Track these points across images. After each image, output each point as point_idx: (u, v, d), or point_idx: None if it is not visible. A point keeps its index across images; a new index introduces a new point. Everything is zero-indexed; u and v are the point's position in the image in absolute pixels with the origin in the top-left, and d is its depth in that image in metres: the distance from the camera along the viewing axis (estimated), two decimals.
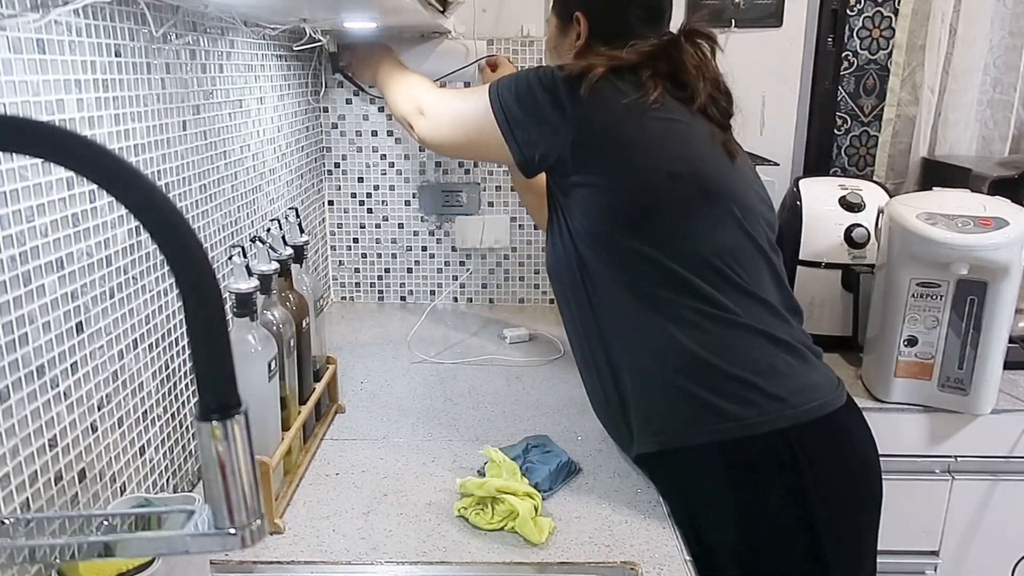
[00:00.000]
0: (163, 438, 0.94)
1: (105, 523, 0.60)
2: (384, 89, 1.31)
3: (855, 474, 0.95)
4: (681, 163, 0.95)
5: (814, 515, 0.90)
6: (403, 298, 1.82)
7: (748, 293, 0.94)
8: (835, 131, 1.88)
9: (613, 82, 0.96)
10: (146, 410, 0.89)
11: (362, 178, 1.74)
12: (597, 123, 0.95)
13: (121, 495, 0.83)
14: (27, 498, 0.67)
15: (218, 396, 0.44)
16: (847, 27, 1.82)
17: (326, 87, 1.66)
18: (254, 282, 0.88)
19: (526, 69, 1.04)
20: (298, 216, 1.10)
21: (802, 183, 1.55)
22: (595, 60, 0.98)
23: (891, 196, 1.46)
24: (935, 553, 1.43)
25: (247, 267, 0.88)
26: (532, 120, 0.99)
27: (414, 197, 1.74)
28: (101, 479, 0.80)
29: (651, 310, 0.94)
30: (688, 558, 0.87)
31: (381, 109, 1.69)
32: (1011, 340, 1.33)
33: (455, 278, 1.80)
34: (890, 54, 1.82)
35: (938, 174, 1.72)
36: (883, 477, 0.99)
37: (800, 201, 1.51)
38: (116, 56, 0.81)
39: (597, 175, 0.95)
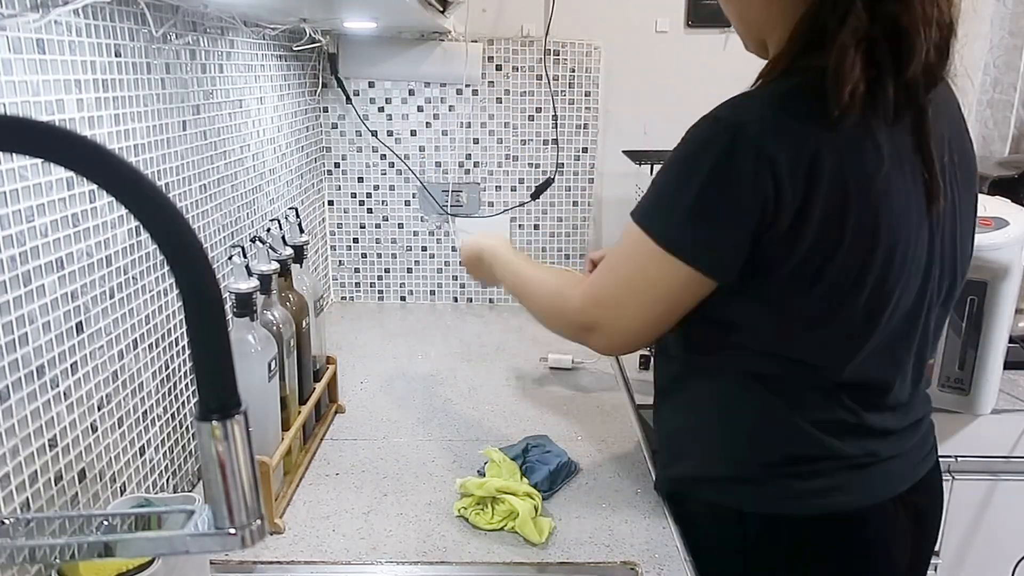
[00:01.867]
0: (163, 438, 0.94)
1: (105, 523, 0.60)
2: (520, 300, 0.99)
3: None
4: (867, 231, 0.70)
5: None
6: (403, 298, 1.82)
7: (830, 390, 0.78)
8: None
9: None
10: (146, 410, 0.89)
11: (362, 178, 1.74)
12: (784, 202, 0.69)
13: (121, 495, 0.83)
14: (27, 498, 0.67)
15: (218, 396, 0.44)
16: None
17: (326, 87, 1.66)
18: (254, 282, 0.88)
19: (669, 162, 0.74)
20: (298, 216, 1.10)
21: None
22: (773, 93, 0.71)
23: None
24: (935, 553, 1.43)
25: (247, 267, 0.88)
26: (715, 231, 0.72)
27: (414, 197, 1.74)
28: (101, 479, 0.80)
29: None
30: (688, 558, 0.87)
31: (381, 109, 1.69)
32: (1011, 340, 1.33)
33: (455, 278, 1.80)
34: None
35: None
36: None
37: None
38: (116, 56, 0.81)
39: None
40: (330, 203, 1.75)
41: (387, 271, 1.80)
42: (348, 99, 1.67)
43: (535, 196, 1.74)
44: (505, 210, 1.75)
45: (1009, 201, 1.31)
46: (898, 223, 0.71)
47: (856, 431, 0.79)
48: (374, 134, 1.70)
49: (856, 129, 0.69)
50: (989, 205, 1.29)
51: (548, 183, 1.73)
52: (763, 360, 0.77)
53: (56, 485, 0.72)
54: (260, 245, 0.95)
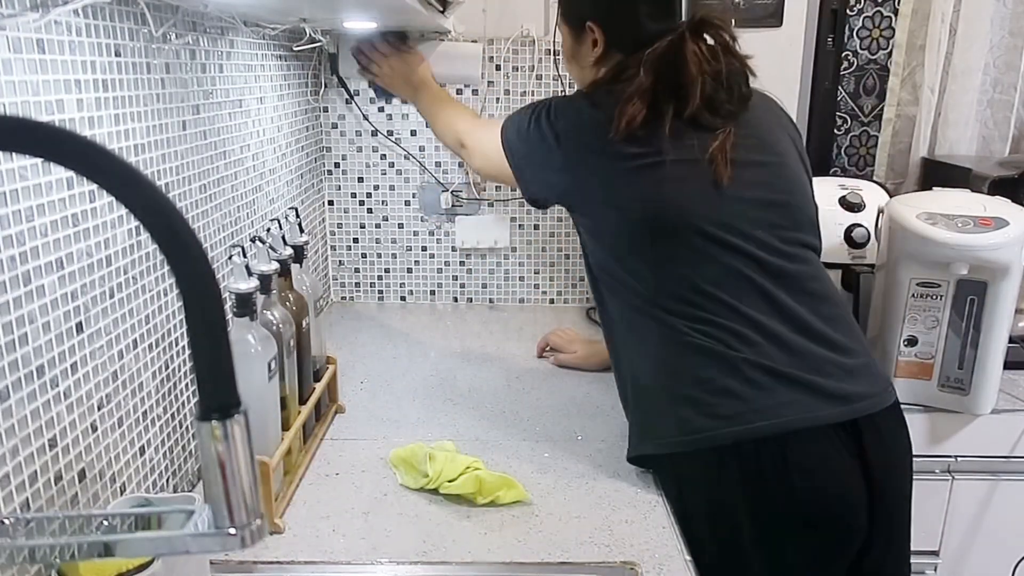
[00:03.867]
0: (163, 438, 0.94)
1: (105, 523, 0.60)
2: (426, 116, 1.39)
3: (797, 498, 0.92)
4: (651, 206, 0.97)
5: (739, 533, 0.93)
6: (403, 298, 1.82)
7: (716, 320, 0.95)
8: (835, 131, 1.88)
9: (597, 120, 0.98)
10: (146, 410, 0.89)
11: (362, 178, 1.74)
12: (580, 174, 1.01)
13: (121, 495, 0.83)
14: (27, 498, 0.67)
15: (218, 396, 0.44)
16: (847, 27, 1.82)
17: (326, 87, 1.66)
18: (254, 282, 0.88)
19: (531, 106, 1.07)
20: (298, 216, 1.10)
21: None
22: (596, 88, 1.04)
23: (891, 196, 1.46)
24: (935, 553, 1.43)
25: (247, 267, 0.88)
26: (529, 162, 1.07)
27: (414, 197, 1.74)
28: (101, 479, 0.80)
29: (632, 328, 1.03)
30: (688, 558, 0.87)
31: (381, 109, 1.69)
32: (1011, 340, 1.33)
33: (455, 278, 1.80)
34: (890, 54, 1.82)
35: (938, 174, 1.72)
36: (880, 503, 0.96)
37: None
38: (116, 56, 0.81)
39: (583, 217, 1.06)
40: (330, 203, 1.75)
41: (387, 271, 1.80)
42: (349, 99, 1.67)
43: None
44: (505, 210, 1.75)
45: (1009, 201, 1.31)
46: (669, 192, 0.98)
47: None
48: (374, 134, 1.70)
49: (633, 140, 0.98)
50: (989, 205, 1.29)
51: None
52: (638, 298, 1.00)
53: (56, 485, 0.72)
54: (260, 245, 0.95)
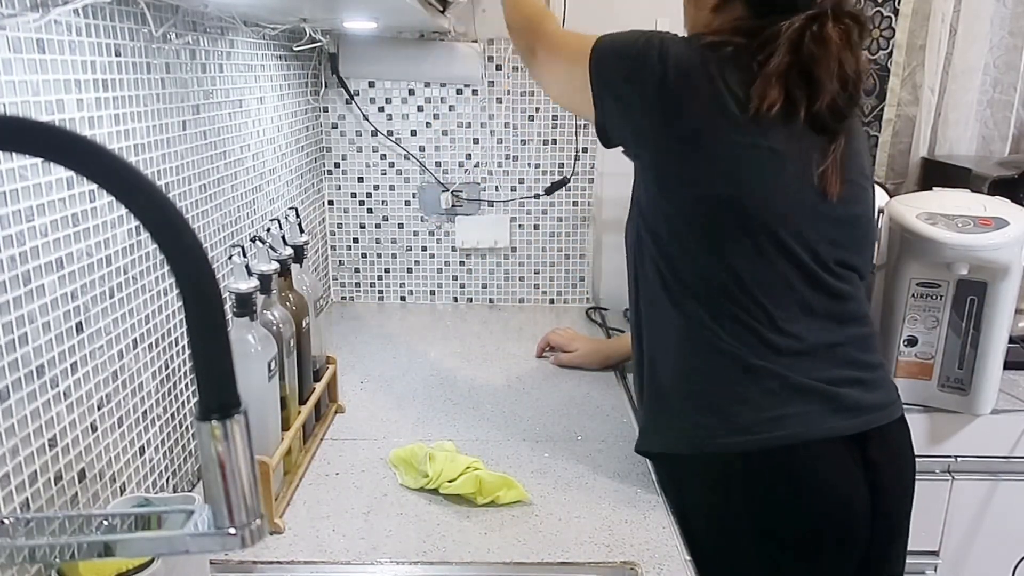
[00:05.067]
0: (163, 438, 0.94)
1: (105, 523, 0.60)
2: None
3: (806, 509, 0.91)
4: (737, 189, 0.89)
5: (737, 538, 0.92)
6: (403, 298, 1.82)
7: (749, 322, 0.91)
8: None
9: (723, 83, 0.88)
10: (146, 410, 0.89)
11: (362, 178, 1.74)
12: (675, 127, 0.91)
13: (121, 495, 0.83)
14: (27, 498, 0.67)
15: (218, 396, 0.44)
16: None
17: (326, 87, 1.66)
18: (254, 282, 0.88)
19: (640, 33, 0.96)
20: (298, 216, 1.10)
21: None
22: (719, 45, 0.90)
23: (891, 196, 1.46)
24: (935, 553, 1.43)
25: (247, 267, 0.88)
26: (618, 92, 0.95)
27: (414, 197, 1.74)
28: (101, 479, 0.80)
29: (661, 314, 0.97)
30: (688, 558, 0.87)
31: (381, 109, 1.69)
32: (1011, 340, 1.33)
33: (455, 278, 1.80)
34: (890, 54, 1.82)
35: (938, 174, 1.72)
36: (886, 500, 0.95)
37: None
38: (116, 56, 0.81)
39: (653, 171, 0.95)
40: (330, 203, 1.75)
41: (387, 271, 1.80)
42: (350, 98, 1.67)
43: (548, 192, 1.73)
44: (505, 210, 1.75)
45: (1009, 201, 1.31)
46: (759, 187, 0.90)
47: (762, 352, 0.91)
48: (374, 134, 1.70)
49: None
50: (989, 205, 1.29)
51: (563, 182, 1.72)
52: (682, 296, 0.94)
53: (56, 485, 0.72)
54: (260, 245, 0.95)
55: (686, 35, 1.01)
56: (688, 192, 0.92)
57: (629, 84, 0.93)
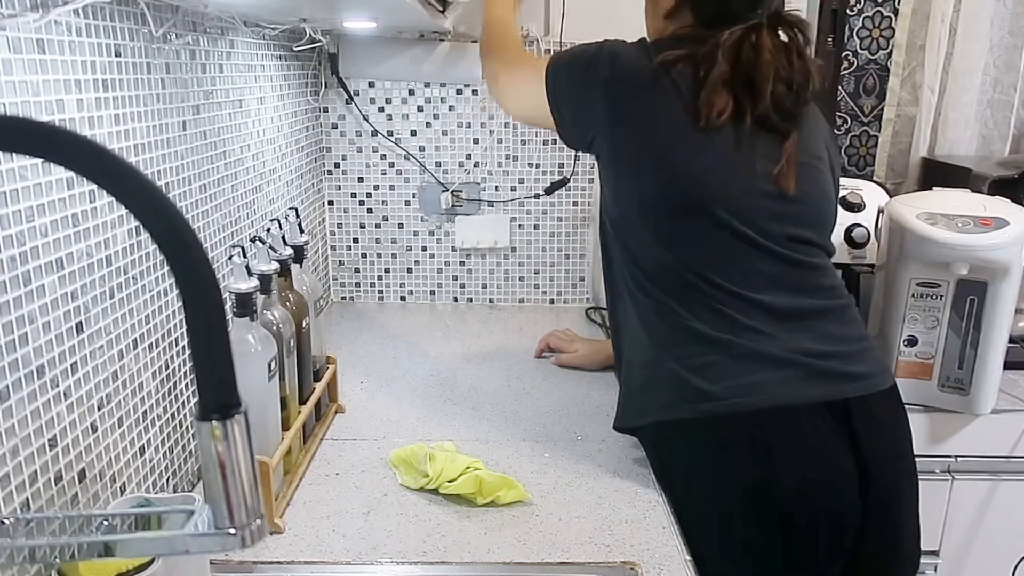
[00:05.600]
0: (163, 438, 0.94)
1: (105, 523, 0.60)
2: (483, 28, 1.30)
3: (783, 473, 0.91)
4: (681, 181, 0.95)
5: (718, 506, 0.94)
6: (403, 298, 1.82)
7: (714, 305, 0.95)
8: (835, 131, 1.88)
9: (669, 81, 0.95)
10: (146, 410, 0.89)
11: (362, 178, 1.74)
12: (625, 129, 0.98)
13: (121, 495, 0.83)
14: (27, 498, 0.67)
15: (218, 396, 0.44)
16: (847, 27, 1.82)
17: (326, 87, 1.66)
18: (254, 282, 0.88)
19: (589, 44, 1.03)
20: (298, 216, 1.10)
21: None
22: (667, 53, 0.96)
23: (891, 196, 1.46)
24: (935, 553, 1.43)
25: (247, 267, 0.88)
26: (573, 104, 1.03)
27: (414, 197, 1.74)
28: (101, 479, 0.80)
29: (632, 304, 1.03)
30: (688, 558, 0.87)
31: (381, 109, 1.69)
32: (1011, 340, 1.33)
33: (455, 278, 1.80)
34: (890, 54, 1.82)
35: (938, 174, 1.72)
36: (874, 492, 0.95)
37: None
38: (116, 56, 0.81)
39: (613, 170, 1.02)
40: (330, 203, 1.75)
41: (387, 271, 1.80)
42: (349, 98, 1.67)
43: (548, 192, 1.73)
44: (505, 210, 1.75)
45: (1009, 201, 1.31)
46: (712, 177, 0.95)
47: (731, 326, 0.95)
48: (374, 134, 1.70)
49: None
50: (989, 205, 1.29)
51: (563, 183, 1.72)
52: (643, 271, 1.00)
53: (56, 485, 0.72)
54: (260, 245, 0.95)
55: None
56: (634, 183, 0.99)
57: (580, 88, 1.01)
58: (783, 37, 0.97)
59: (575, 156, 1.72)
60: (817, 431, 0.92)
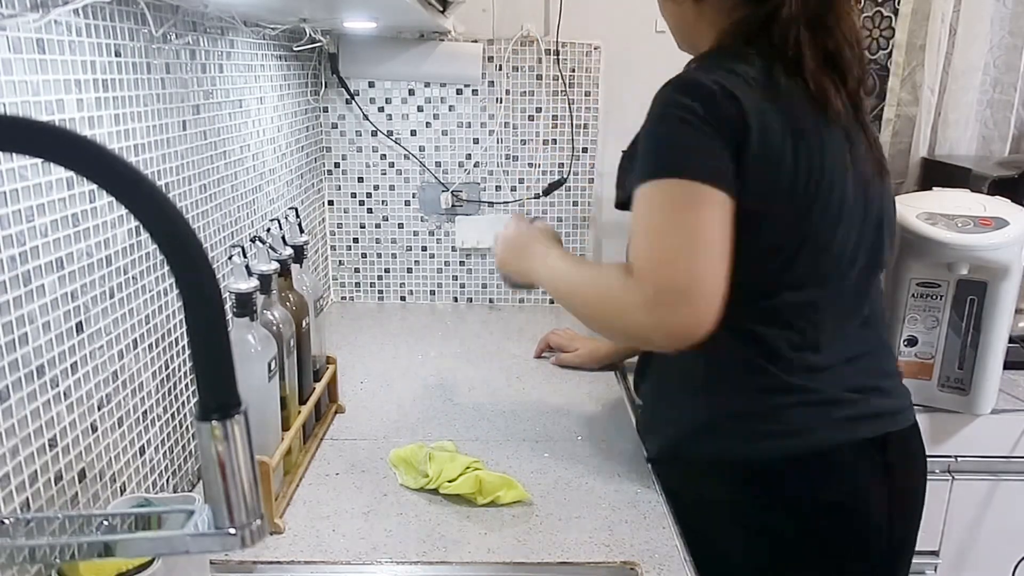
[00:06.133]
0: (163, 438, 0.94)
1: (105, 523, 0.60)
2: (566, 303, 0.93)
3: (826, 515, 0.88)
4: (801, 221, 0.82)
5: (751, 545, 0.90)
6: (403, 298, 1.82)
7: (779, 351, 0.86)
8: None
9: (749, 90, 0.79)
10: (146, 410, 0.89)
11: (362, 178, 1.74)
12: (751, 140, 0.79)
13: (121, 495, 0.83)
14: (27, 498, 0.67)
15: (218, 396, 0.44)
16: None
17: (326, 87, 1.66)
18: (254, 282, 0.88)
19: (654, 123, 0.82)
20: (298, 216, 1.10)
21: None
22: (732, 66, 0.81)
23: None
24: (935, 553, 1.43)
25: (247, 267, 0.88)
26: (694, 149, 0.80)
27: (414, 197, 1.74)
28: (101, 479, 0.80)
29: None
30: (688, 558, 0.87)
31: (381, 109, 1.69)
32: (1011, 340, 1.33)
33: (455, 278, 1.80)
34: (890, 54, 1.82)
35: (938, 174, 1.72)
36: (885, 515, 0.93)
37: None
38: (116, 56, 0.81)
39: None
40: (330, 203, 1.75)
41: (387, 271, 1.80)
42: (350, 97, 1.67)
43: (546, 193, 1.73)
44: (505, 210, 1.75)
45: (1009, 201, 1.31)
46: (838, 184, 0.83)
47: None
48: (374, 134, 1.70)
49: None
50: (989, 205, 1.29)
51: (560, 183, 1.72)
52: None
53: (56, 485, 0.72)
54: (260, 245, 0.95)
55: (686, 52, 0.94)
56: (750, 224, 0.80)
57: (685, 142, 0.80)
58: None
59: (574, 156, 1.72)
60: (861, 468, 0.88)
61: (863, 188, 0.86)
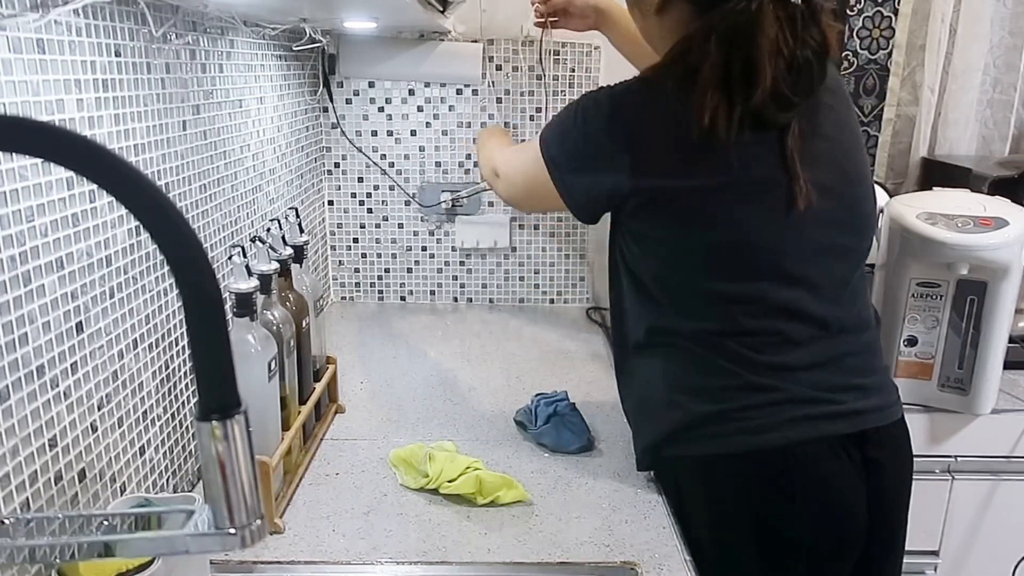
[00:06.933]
0: (163, 438, 0.94)
1: (105, 523, 0.60)
2: (478, 154, 1.31)
3: (804, 512, 0.89)
4: (717, 233, 0.86)
5: (735, 543, 0.91)
6: (403, 298, 1.82)
7: (749, 356, 0.89)
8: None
9: (662, 120, 0.86)
10: (146, 410, 0.89)
11: (362, 178, 1.74)
12: (642, 174, 0.87)
13: (121, 495, 0.83)
14: (27, 498, 0.67)
15: (218, 396, 0.44)
16: (847, 27, 1.82)
17: (326, 87, 1.66)
18: (254, 282, 0.88)
19: (571, 106, 0.93)
20: (298, 216, 1.10)
21: None
22: (644, 77, 0.89)
23: (891, 196, 1.46)
24: (935, 553, 1.43)
25: (247, 267, 0.88)
26: (576, 168, 0.93)
27: (414, 197, 1.74)
28: (101, 479, 0.80)
29: (654, 351, 0.96)
30: (688, 558, 0.87)
31: (381, 109, 1.69)
32: (1011, 340, 1.33)
33: (455, 278, 1.80)
34: (890, 54, 1.82)
35: (938, 174, 1.72)
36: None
37: None
38: (116, 56, 0.81)
39: (634, 220, 0.92)
40: (330, 203, 1.75)
41: (387, 271, 1.80)
42: (350, 97, 1.67)
43: None
44: (505, 210, 1.75)
45: (1009, 201, 1.31)
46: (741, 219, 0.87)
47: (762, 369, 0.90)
48: (374, 134, 1.70)
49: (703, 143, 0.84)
50: (989, 205, 1.29)
51: None
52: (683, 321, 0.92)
53: (56, 485, 0.72)
54: (260, 245, 0.95)
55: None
56: (671, 240, 0.90)
57: (581, 157, 0.92)
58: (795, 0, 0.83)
59: None
60: (834, 464, 0.89)
61: (772, 194, 0.86)
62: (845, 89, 0.98)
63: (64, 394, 0.73)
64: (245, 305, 0.86)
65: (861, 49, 1.84)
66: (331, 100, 1.67)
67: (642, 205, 0.89)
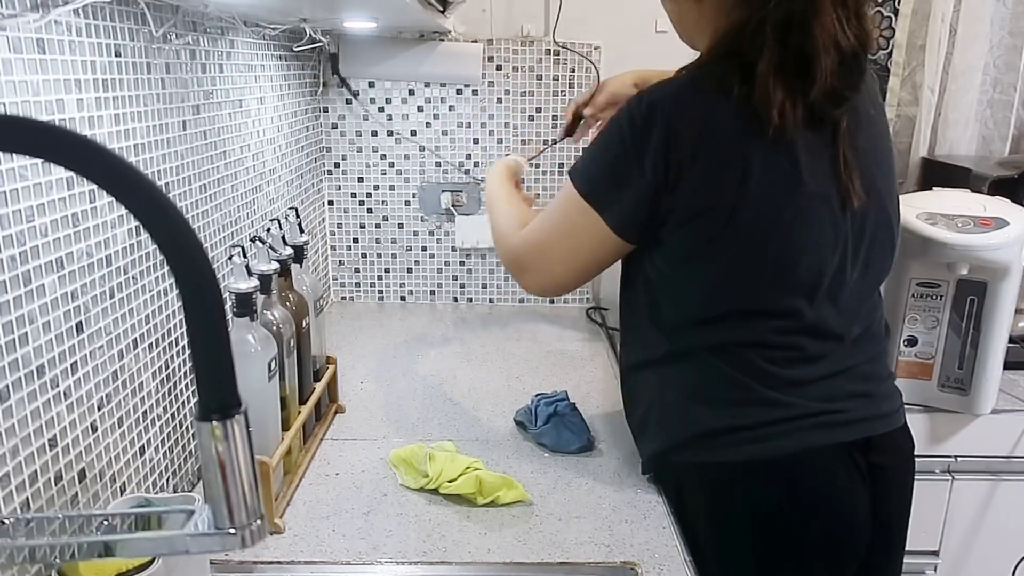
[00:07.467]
0: (163, 438, 0.94)
1: (105, 523, 0.60)
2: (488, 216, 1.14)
3: (807, 519, 0.89)
4: (783, 248, 0.82)
5: (737, 549, 0.90)
6: (403, 298, 1.82)
7: (766, 369, 0.87)
8: None
9: (719, 121, 0.79)
10: (146, 410, 0.89)
11: (362, 178, 1.74)
12: (697, 184, 0.81)
13: (121, 495, 0.83)
14: (27, 498, 0.67)
15: (218, 396, 0.44)
16: None
17: (326, 87, 1.66)
18: (254, 282, 0.88)
19: (602, 131, 0.87)
20: (298, 216, 1.10)
21: None
22: (701, 76, 0.81)
23: None
24: (935, 553, 1.43)
25: (247, 267, 0.88)
26: (618, 188, 0.85)
27: (414, 197, 1.74)
28: (101, 479, 0.80)
29: (667, 359, 0.94)
30: (688, 558, 0.87)
31: (381, 109, 1.69)
32: (1011, 340, 1.33)
33: (455, 278, 1.80)
34: (890, 54, 1.82)
35: (938, 174, 1.72)
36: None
37: None
38: (116, 56, 0.81)
39: (679, 230, 0.85)
40: (330, 203, 1.75)
41: (387, 271, 1.80)
42: (350, 99, 1.67)
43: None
44: None
45: (1009, 201, 1.31)
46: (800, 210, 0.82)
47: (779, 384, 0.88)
48: (374, 134, 1.70)
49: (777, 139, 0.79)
50: (989, 205, 1.29)
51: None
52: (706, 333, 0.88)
53: (56, 485, 0.72)
54: (260, 245, 0.95)
55: (689, 49, 0.94)
56: (726, 260, 0.84)
57: (620, 176, 0.84)
58: None
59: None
60: (839, 470, 0.89)
61: (828, 206, 0.83)
62: (877, 90, 0.92)
63: (64, 394, 0.73)
64: (245, 305, 0.86)
65: None
66: (350, 92, 1.66)
67: (692, 218, 0.83)
